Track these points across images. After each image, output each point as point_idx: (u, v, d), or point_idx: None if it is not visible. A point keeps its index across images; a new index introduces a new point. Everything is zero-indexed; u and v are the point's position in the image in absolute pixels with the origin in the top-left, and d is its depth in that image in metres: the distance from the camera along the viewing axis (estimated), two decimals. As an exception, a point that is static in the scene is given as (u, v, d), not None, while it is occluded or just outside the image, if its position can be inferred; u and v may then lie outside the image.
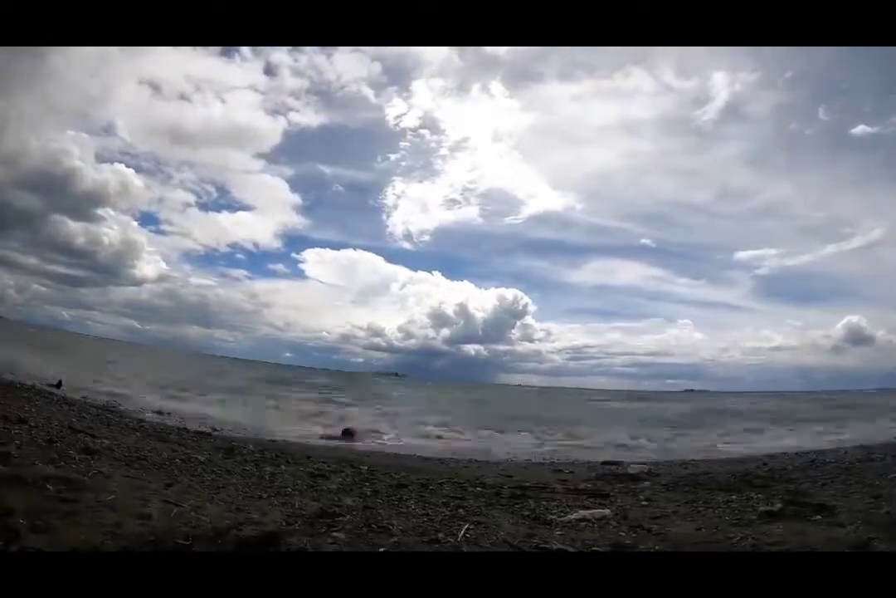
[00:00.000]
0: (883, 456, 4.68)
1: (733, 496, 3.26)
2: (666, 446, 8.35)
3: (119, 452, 3.13)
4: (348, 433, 7.08)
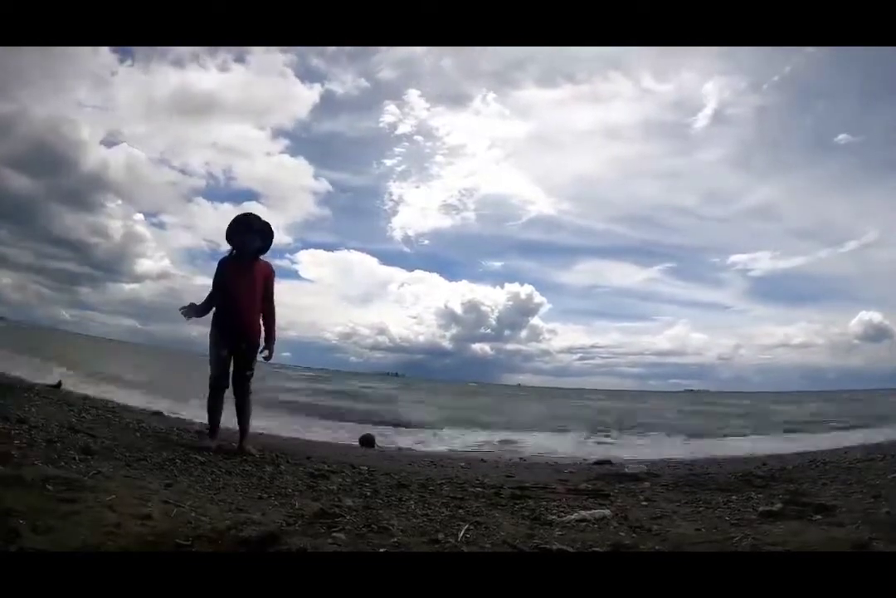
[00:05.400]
0: (883, 456, 4.68)
1: (733, 496, 3.26)
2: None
3: (119, 452, 3.13)
4: (366, 442, 6.64)
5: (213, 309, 3.96)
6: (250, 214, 4.00)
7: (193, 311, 3.94)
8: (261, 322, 4.01)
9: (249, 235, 3.90)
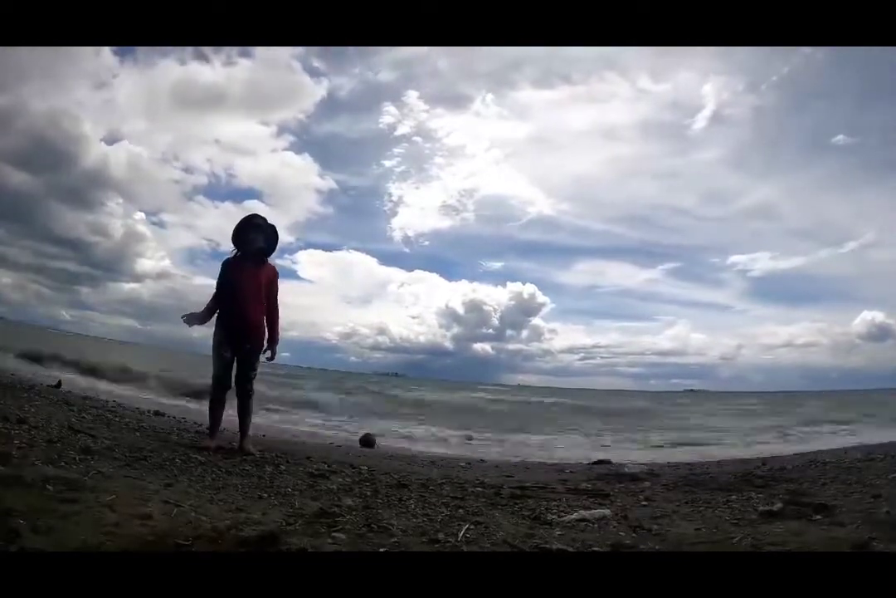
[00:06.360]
0: (883, 456, 4.67)
1: (733, 496, 3.26)
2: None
3: (119, 452, 3.13)
4: (366, 442, 6.56)
5: (217, 310, 3.99)
6: (256, 215, 3.98)
7: (196, 318, 3.94)
8: (264, 323, 4.03)
9: (254, 236, 3.90)
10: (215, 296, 3.98)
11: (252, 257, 3.95)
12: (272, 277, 4.01)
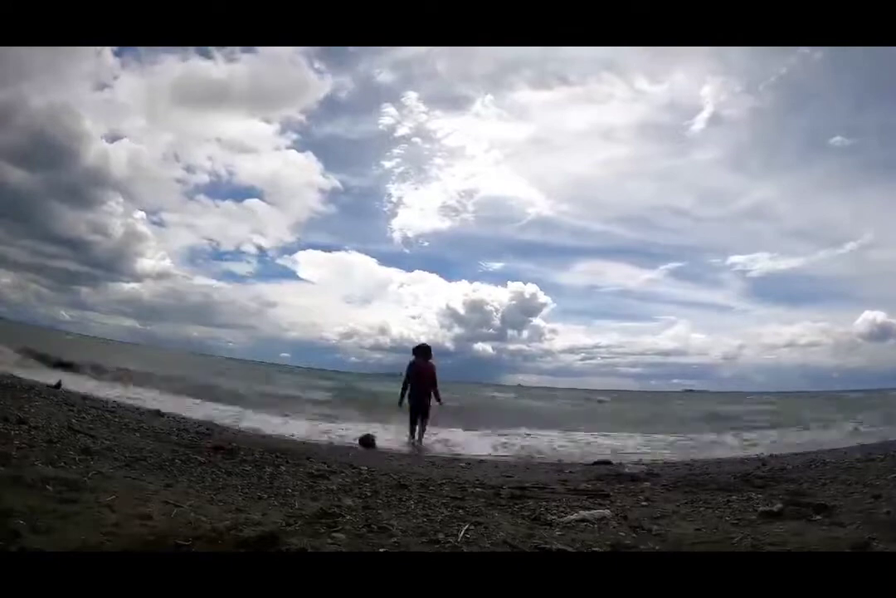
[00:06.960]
0: (883, 456, 4.67)
1: (733, 496, 3.26)
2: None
3: (119, 452, 3.13)
4: (366, 442, 6.60)
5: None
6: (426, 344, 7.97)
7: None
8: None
9: (426, 355, 7.88)
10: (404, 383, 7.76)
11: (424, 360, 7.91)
12: (433, 368, 7.87)
